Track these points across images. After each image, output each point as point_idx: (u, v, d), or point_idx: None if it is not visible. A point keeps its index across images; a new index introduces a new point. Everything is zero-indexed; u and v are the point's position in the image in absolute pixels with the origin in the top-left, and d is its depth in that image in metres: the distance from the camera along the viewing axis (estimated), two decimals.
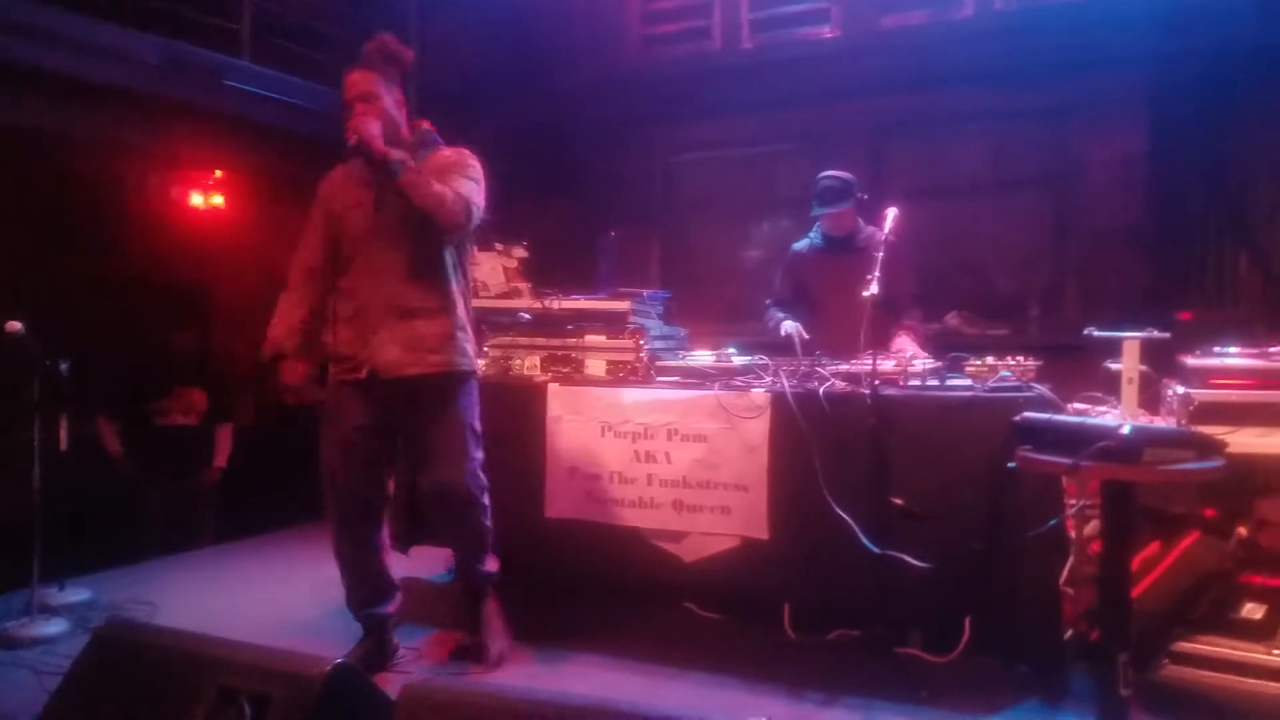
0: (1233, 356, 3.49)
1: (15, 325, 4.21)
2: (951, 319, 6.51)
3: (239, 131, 7.15)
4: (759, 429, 3.78)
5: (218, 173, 7.58)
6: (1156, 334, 3.59)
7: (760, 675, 3.64)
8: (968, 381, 3.72)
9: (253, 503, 6.48)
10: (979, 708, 3.36)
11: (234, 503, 6.44)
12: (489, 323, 4.39)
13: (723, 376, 4.02)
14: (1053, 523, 3.28)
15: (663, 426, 3.96)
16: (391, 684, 2.88)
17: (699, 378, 4.08)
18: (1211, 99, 6.06)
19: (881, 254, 3.94)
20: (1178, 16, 6.02)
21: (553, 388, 4.21)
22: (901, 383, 3.73)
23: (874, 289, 3.75)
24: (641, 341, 4.21)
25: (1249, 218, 6.20)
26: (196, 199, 7.57)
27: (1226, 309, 6.15)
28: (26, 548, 4.28)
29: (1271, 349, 3.45)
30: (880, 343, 4.30)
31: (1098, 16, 6.26)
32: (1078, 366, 4.04)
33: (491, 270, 4.49)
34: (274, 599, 4.71)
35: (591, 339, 4.29)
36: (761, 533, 3.77)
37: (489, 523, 3.74)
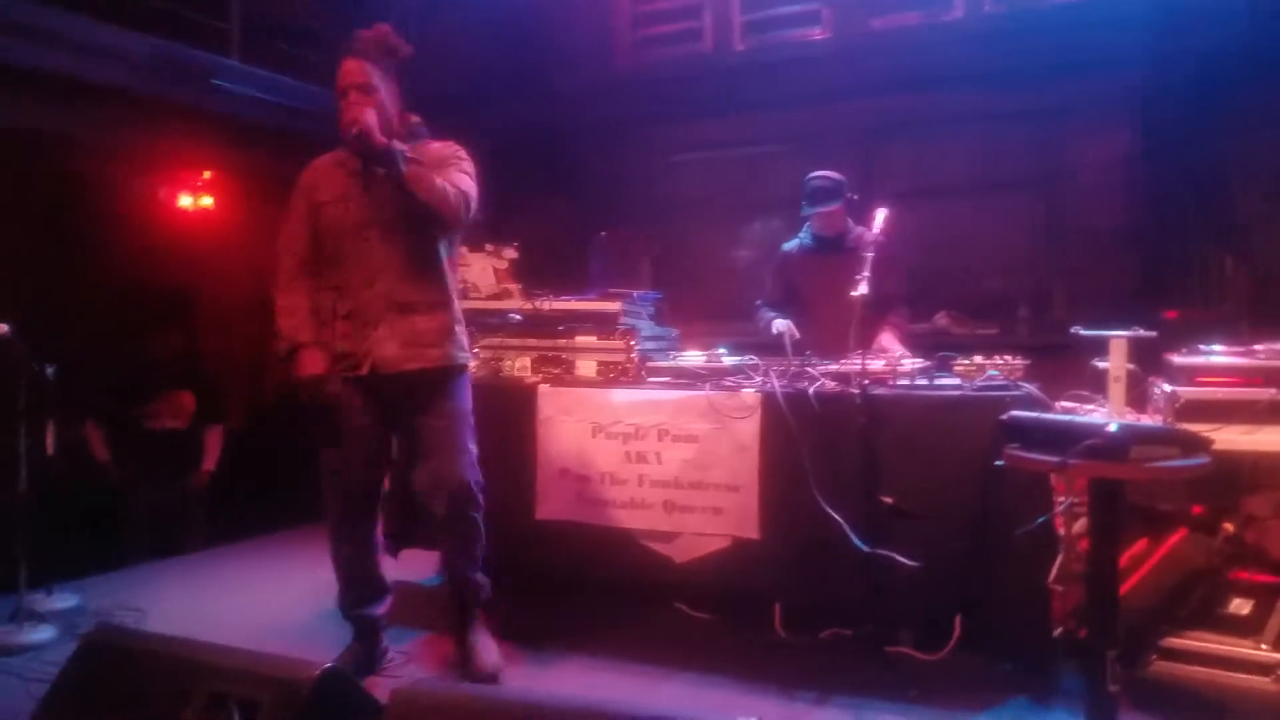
0: (1218, 355, 3.51)
1: (1, 328, 4.19)
2: (941, 319, 6.52)
3: (228, 132, 7.13)
4: (750, 429, 3.78)
5: (207, 174, 7.56)
6: (1143, 333, 3.60)
7: (751, 675, 3.64)
8: (956, 381, 3.73)
9: (242, 506, 6.47)
10: (969, 706, 3.37)
11: (223, 506, 6.42)
12: (479, 324, 4.38)
13: (713, 377, 4.03)
14: (1041, 521, 3.28)
15: (654, 427, 3.97)
16: (381, 688, 2.88)
17: (690, 378, 4.08)
18: (1200, 101, 6.08)
19: (871, 254, 3.95)
20: (1167, 19, 6.05)
21: (543, 389, 4.21)
22: (891, 382, 3.74)
23: (863, 289, 3.76)
24: (632, 342, 4.21)
25: (1236, 219, 6.23)
26: (185, 200, 7.55)
27: (1213, 308, 6.18)
28: (13, 554, 4.26)
29: (1256, 347, 3.47)
30: (869, 342, 4.32)
31: (1087, 18, 6.29)
32: (1066, 365, 4.05)
33: (482, 271, 4.49)
34: (263, 603, 4.69)
35: (582, 340, 4.30)
36: (752, 533, 3.78)
37: (482, 524, 3.69)
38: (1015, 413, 3.19)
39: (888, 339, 4.64)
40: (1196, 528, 3.69)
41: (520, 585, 3.76)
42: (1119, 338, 3.58)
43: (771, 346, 4.65)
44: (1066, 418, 3.28)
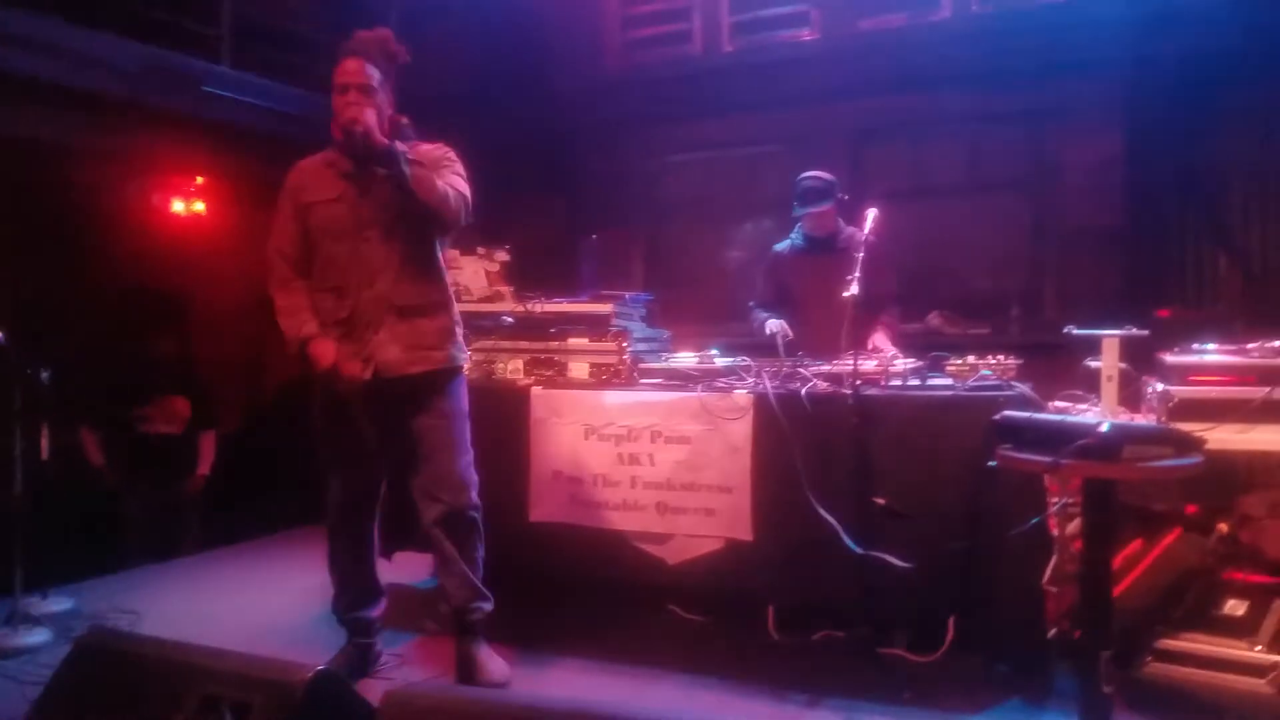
0: (1211, 354, 3.51)
1: None
2: (933, 319, 6.54)
3: (220, 137, 7.12)
4: (742, 430, 3.78)
5: (199, 179, 7.54)
6: (1135, 332, 3.60)
7: (744, 677, 3.65)
8: (949, 381, 3.74)
9: (238, 510, 6.46)
10: (963, 707, 3.37)
11: (219, 510, 6.41)
12: (472, 327, 4.38)
13: (706, 378, 4.03)
14: (1035, 521, 3.28)
15: (646, 429, 3.97)
16: (375, 690, 2.86)
17: (682, 379, 4.08)
18: (1187, 101, 6.10)
19: (861, 254, 3.95)
20: (1154, 20, 6.06)
21: (536, 391, 4.20)
22: (883, 382, 3.75)
23: (854, 289, 3.76)
24: (624, 344, 4.21)
25: (1226, 218, 6.25)
26: (178, 205, 7.53)
27: (1205, 307, 6.19)
28: (8, 557, 4.26)
29: (1249, 345, 3.47)
30: (862, 343, 4.32)
31: (1074, 19, 6.30)
32: (1058, 365, 4.06)
33: (474, 274, 4.48)
34: (258, 606, 4.69)
35: (574, 342, 4.30)
36: (745, 534, 3.78)
37: (481, 525, 3.65)
38: (1007, 413, 3.19)
39: (880, 339, 4.64)
40: (1191, 528, 3.69)
41: (513, 587, 3.75)
42: (1111, 337, 3.58)
43: (764, 347, 4.65)
44: (1059, 417, 3.27)
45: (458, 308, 3.77)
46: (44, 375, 4.39)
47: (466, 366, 3.80)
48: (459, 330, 3.70)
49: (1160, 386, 3.50)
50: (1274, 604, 3.41)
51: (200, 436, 6.22)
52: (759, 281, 5.23)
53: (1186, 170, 6.25)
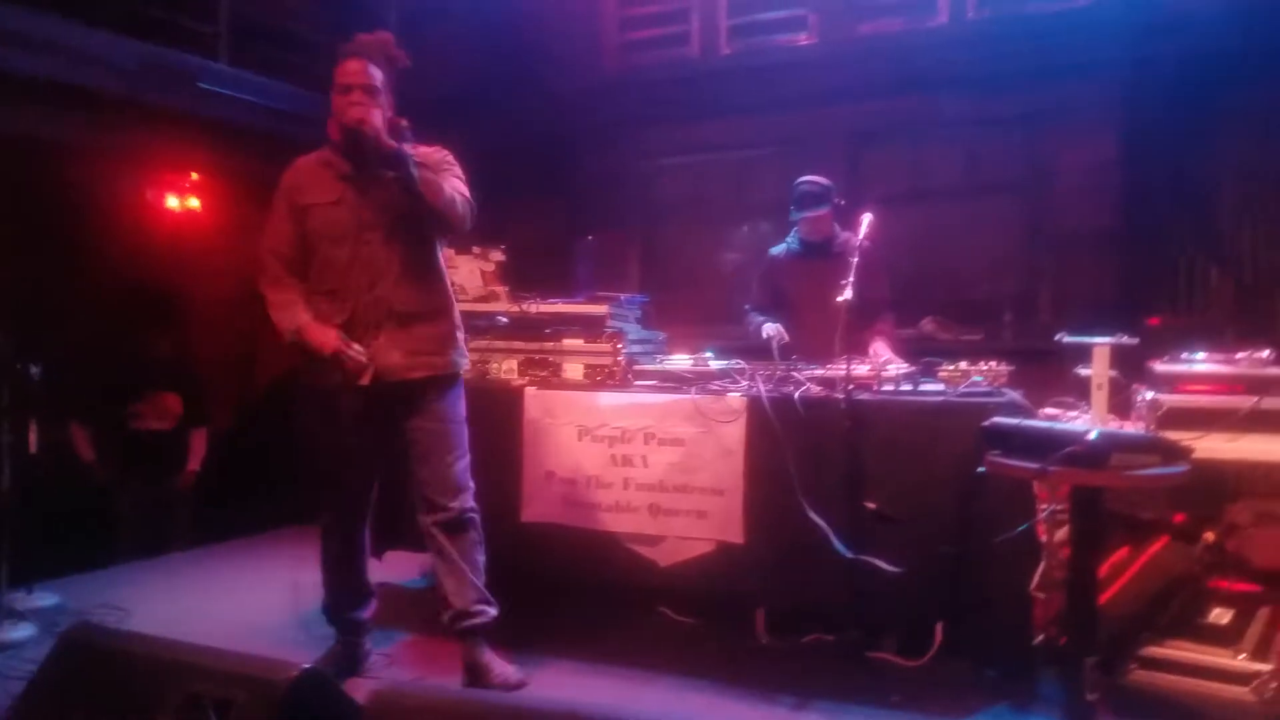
0: (1200, 362, 3.52)
1: None
2: (927, 324, 6.54)
3: (216, 135, 7.11)
4: (735, 433, 3.79)
5: (194, 176, 7.53)
6: (1126, 340, 3.61)
7: (733, 679, 3.65)
8: (940, 386, 3.74)
9: (228, 507, 6.45)
10: (950, 712, 3.38)
11: (209, 507, 6.40)
12: (466, 326, 4.37)
13: (700, 380, 4.03)
14: (1023, 528, 3.29)
15: (639, 430, 3.97)
16: (363, 689, 2.86)
17: (676, 381, 4.08)
18: (1183, 107, 6.12)
19: (856, 259, 3.96)
20: (1150, 25, 6.08)
21: (530, 391, 4.21)
22: (875, 387, 3.75)
23: (848, 294, 3.77)
24: (619, 345, 4.22)
25: (1219, 224, 6.26)
26: (172, 202, 7.53)
27: (1197, 314, 6.20)
28: None
29: (1238, 355, 3.48)
30: (855, 347, 4.32)
31: (1071, 24, 6.33)
32: (1051, 371, 4.07)
33: (469, 273, 4.48)
34: (248, 604, 4.68)
35: (569, 343, 4.31)
36: (737, 536, 3.78)
37: (480, 528, 3.61)
38: (996, 419, 3.20)
39: (880, 347, 4.64)
40: (1178, 536, 3.69)
41: (504, 588, 3.75)
42: (1101, 345, 3.59)
43: (759, 350, 4.65)
44: (1047, 424, 3.29)
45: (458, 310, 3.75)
46: (34, 370, 4.39)
47: (465, 370, 3.78)
48: (460, 335, 3.69)
49: (1149, 395, 3.51)
50: (1258, 612, 3.42)
51: (192, 433, 6.23)
52: (755, 285, 5.24)
53: (1181, 176, 6.27)
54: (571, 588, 4.19)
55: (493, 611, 3.57)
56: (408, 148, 3.42)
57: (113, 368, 6.21)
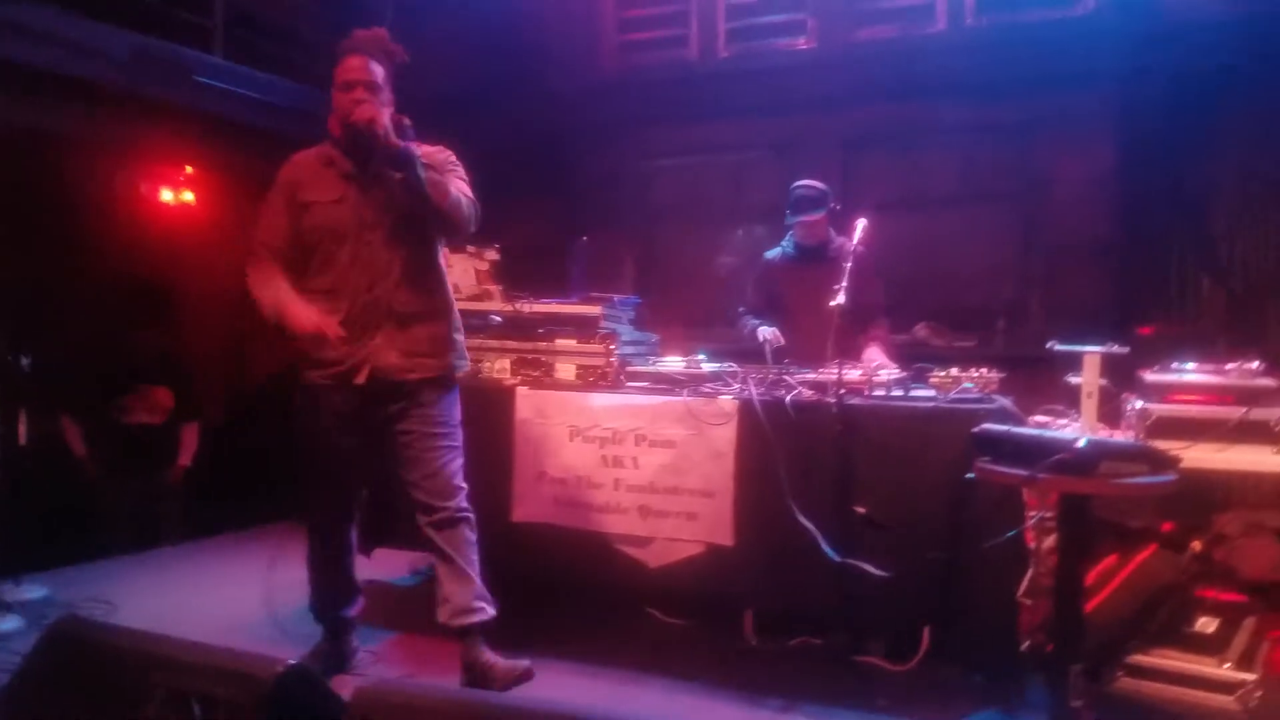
0: (1190, 372, 3.53)
1: None
2: (920, 330, 6.55)
3: (210, 128, 7.10)
4: (726, 435, 3.79)
5: (188, 169, 7.52)
6: (1116, 349, 3.62)
7: (721, 681, 3.66)
8: (931, 392, 3.75)
9: (219, 502, 6.43)
10: (936, 716, 3.39)
11: (199, 502, 6.39)
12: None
13: (692, 383, 4.03)
14: (1012, 534, 3.29)
15: (631, 432, 3.97)
16: (349, 686, 2.86)
17: (668, 383, 4.08)
18: (1179, 118, 6.14)
19: (849, 264, 3.97)
20: (1147, 36, 6.10)
21: (522, 391, 4.21)
22: (866, 392, 3.76)
23: (841, 299, 3.78)
24: (612, 346, 4.22)
25: (1213, 234, 6.28)
26: (166, 195, 7.51)
27: (1189, 324, 6.22)
28: None
29: (1228, 365, 3.49)
30: (849, 352, 4.33)
31: (1069, 33, 6.34)
32: (1042, 379, 4.08)
33: (463, 272, 4.48)
34: (236, 599, 4.67)
35: (562, 343, 4.31)
36: (726, 539, 3.78)
37: (475, 529, 3.58)
38: (986, 426, 3.21)
39: (873, 352, 4.64)
40: (1166, 545, 3.70)
41: (494, 587, 3.75)
42: (1092, 354, 3.60)
43: (751, 353, 4.66)
44: (1036, 432, 3.29)
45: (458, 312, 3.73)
46: (25, 362, 4.38)
47: (463, 373, 3.76)
48: (459, 337, 3.67)
49: (1139, 404, 3.53)
50: (1244, 622, 3.44)
51: (183, 428, 6.21)
52: (749, 288, 5.24)
53: (1176, 186, 6.29)
54: (561, 588, 4.20)
55: (491, 610, 3.55)
56: (413, 147, 3.39)
57: (104, 361, 6.18)
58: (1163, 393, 3.48)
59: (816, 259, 4.89)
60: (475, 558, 3.56)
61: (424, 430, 3.51)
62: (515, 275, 4.57)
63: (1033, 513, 3.42)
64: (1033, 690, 3.42)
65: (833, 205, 4.95)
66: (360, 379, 3.44)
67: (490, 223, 3.67)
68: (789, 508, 3.54)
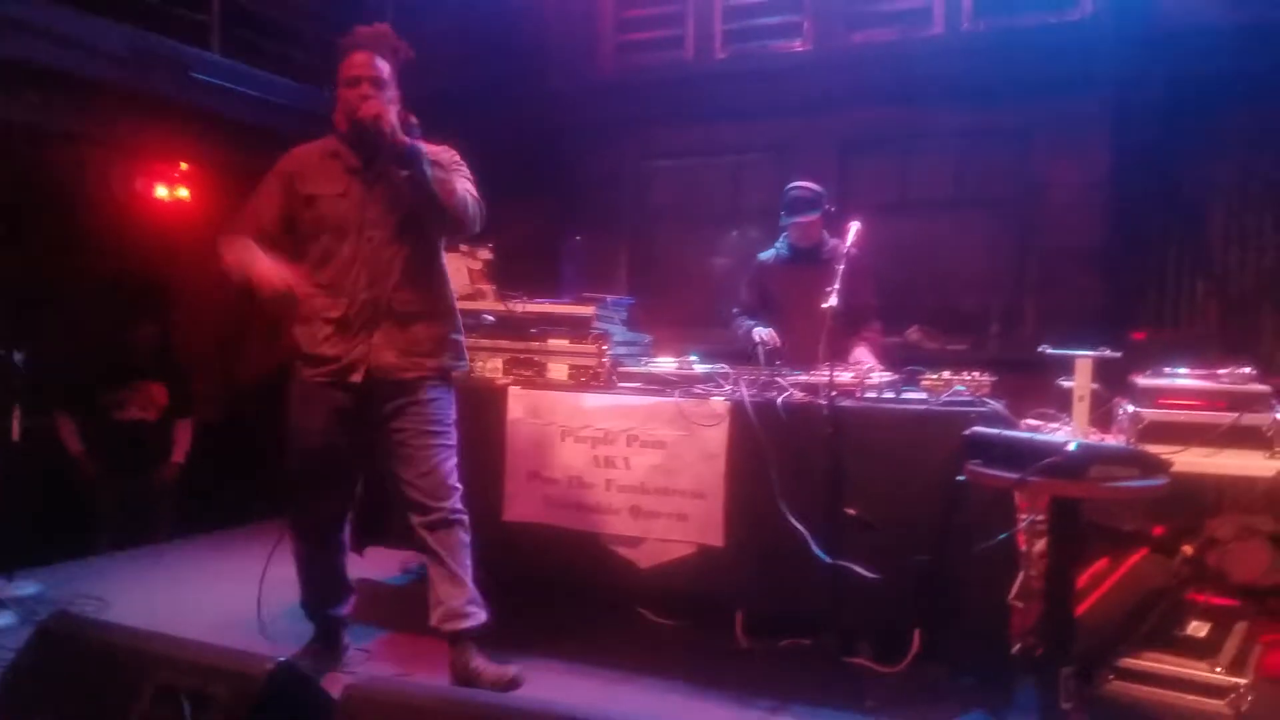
0: (1182, 377, 3.53)
1: None
2: (913, 333, 6.55)
3: (206, 125, 7.08)
4: (717, 437, 3.79)
5: (183, 165, 7.51)
6: (1108, 353, 3.63)
7: (710, 682, 3.66)
8: (923, 395, 3.75)
9: (212, 499, 6.43)
10: (925, 718, 3.39)
11: (192, 499, 6.38)
12: None
13: (684, 384, 4.04)
14: (1003, 537, 3.30)
15: (622, 432, 3.97)
16: (340, 684, 2.86)
17: (660, 384, 4.08)
18: (1174, 123, 6.15)
19: (842, 266, 3.97)
20: (1144, 43, 6.11)
21: (514, 390, 4.20)
22: (858, 394, 3.76)
23: (833, 300, 3.78)
24: (604, 347, 4.22)
25: (1207, 241, 6.30)
26: (161, 191, 7.49)
27: (1182, 330, 6.24)
28: None
29: (1220, 371, 3.49)
30: (841, 354, 4.34)
31: (1065, 39, 6.35)
32: (1035, 383, 4.07)
33: (456, 271, 4.47)
34: (228, 596, 4.65)
35: (554, 343, 4.31)
36: (717, 540, 3.78)
37: (468, 530, 3.55)
38: (977, 428, 3.21)
39: (862, 353, 4.65)
40: (1158, 549, 3.72)
41: (485, 586, 3.75)
42: (1084, 358, 3.61)
43: (744, 355, 4.68)
44: (1027, 435, 3.30)
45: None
46: (17, 357, 4.37)
47: (460, 374, 3.74)
48: (459, 338, 3.66)
49: (1131, 408, 3.53)
50: (1236, 626, 3.45)
51: (176, 424, 6.21)
52: (743, 289, 5.25)
53: (1170, 193, 6.30)
54: (552, 587, 4.19)
55: (483, 615, 3.52)
56: (420, 144, 3.38)
57: (99, 357, 6.19)
58: (1155, 397, 3.48)
59: (810, 260, 4.90)
60: (468, 561, 3.54)
61: (419, 429, 3.49)
62: (509, 275, 4.57)
63: (1024, 516, 3.43)
64: (1023, 693, 3.43)
65: (828, 207, 4.96)
66: (357, 377, 3.42)
67: (486, 221, 3.66)
68: (780, 509, 3.54)
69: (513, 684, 3.44)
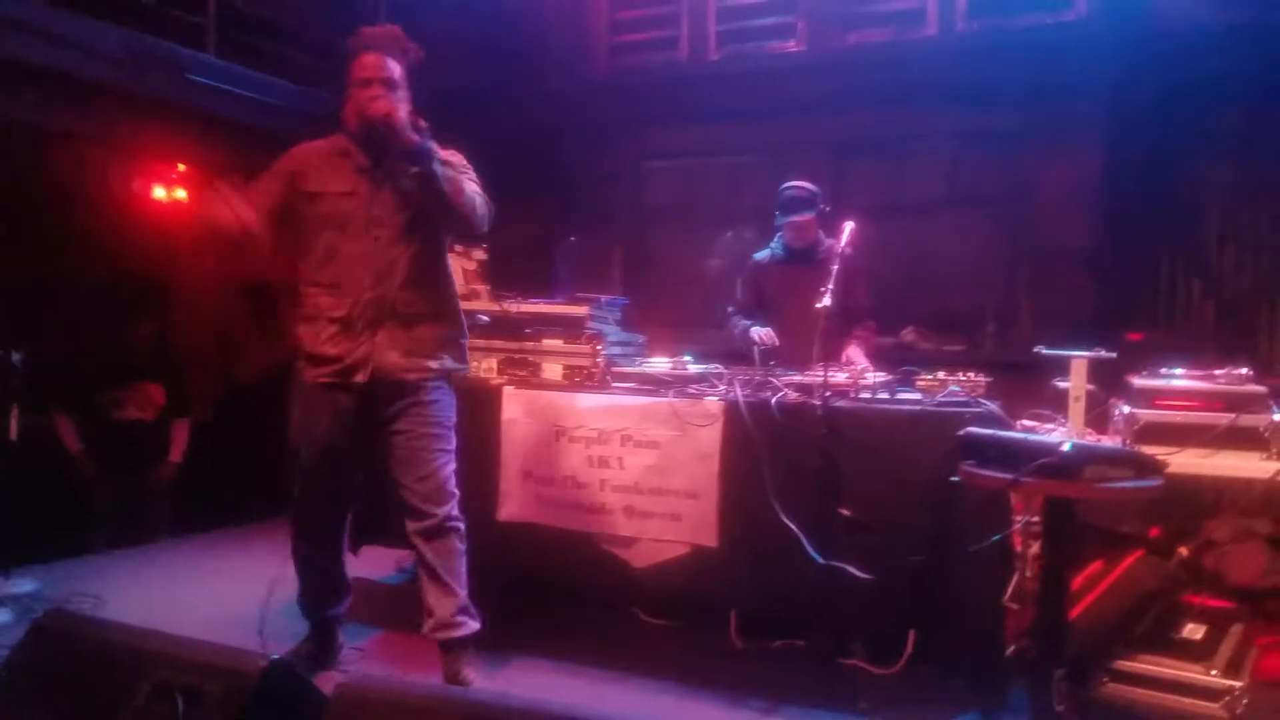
0: (1177, 378, 3.54)
1: None
2: (908, 334, 6.56)
3: (203, 126, 7.09)
4: (711, 437, 3.79)
5: (181, 166, 7.50)
6: (1103, 354, 3.63)
7: (703, 682, 3.66)
8: (917, 395, 3.75)
9: (209, 498, 6.43)
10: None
11: (190, 498, 6.38)
12: None
13: (678, 384, 4.04)
14: (997, 538, 3.29)
15: (616, 432, 3.96)
16: (334, 683, 2.87)
17: (654, 384, 4.08)
18: (1168, 126, 6.16)
19: (836, 266, 3.97)
20: (1137, 45, 6.11)
21: (508, 390, 4.20)
22: (852, 395, 3.76)
23: (827, 300, 3.78)
24: (598, 347, 4.22)
25: (1202, 242, 6.30)
26: (159, 192, 7.49)
27: (1178, 331, 6.24)
28: None
29: (1216, 371, 3.50)
30: (835, 354, 4.34)
31: (1059, 42, 6.34)
32: (1030, 383, 4.08)
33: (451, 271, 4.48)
34: (224, 595, 4.66)
35: (549, 343, 4.31)
36: (710, 540, 3.78)
37: (464, 534, 3.54)
38: (971, 429, 3.21)
39: (854, 352, 4.66)
40: (1153, 550, 3.71)
41: (478, 585, 3.75)
42: (1079, 358, 3.61)
43: (738, 355, 4.68)
44: (1021, 435, 3.30)
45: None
46: (15, 357, 4.37)
47: (462, 375, 3.73)
48: (462, 340, 3.65)
49: (1126, 409, 3.53)
50: (1231, 629, 3.44)
51: (174, 424, 6.21)
52: (738, 289, 5.25)
53: (1164, 194, 6.31)
54: (545, 587, 4.20)
55: (474, 624, 3.51)
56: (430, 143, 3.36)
57: (96, 357, 6.19)
58: (1150, 398, 3.49)
59: (805, 260, 4.90)
60: (463, 569, 3.52)
61: (420, 430, 3.48)
62: (503, 275, 4.57)
63: (1019, 517, 3.43)
64: (1016, 695, 3.43)
65: (823, 207, 4.96)
66: (362, 377, 3.40)
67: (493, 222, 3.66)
68: (774, 509, 3.54)
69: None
